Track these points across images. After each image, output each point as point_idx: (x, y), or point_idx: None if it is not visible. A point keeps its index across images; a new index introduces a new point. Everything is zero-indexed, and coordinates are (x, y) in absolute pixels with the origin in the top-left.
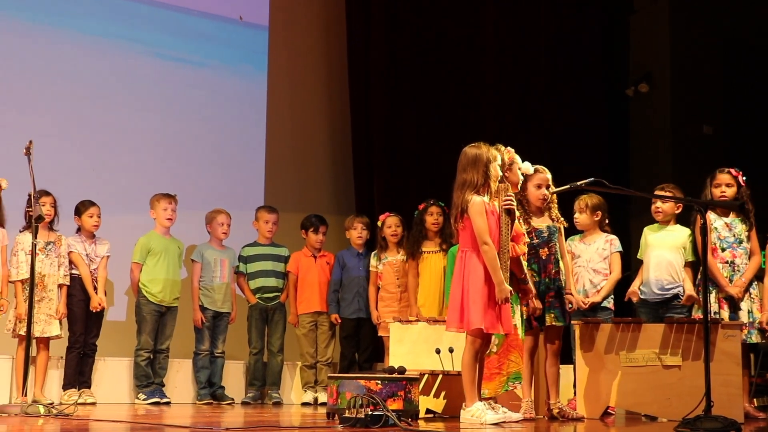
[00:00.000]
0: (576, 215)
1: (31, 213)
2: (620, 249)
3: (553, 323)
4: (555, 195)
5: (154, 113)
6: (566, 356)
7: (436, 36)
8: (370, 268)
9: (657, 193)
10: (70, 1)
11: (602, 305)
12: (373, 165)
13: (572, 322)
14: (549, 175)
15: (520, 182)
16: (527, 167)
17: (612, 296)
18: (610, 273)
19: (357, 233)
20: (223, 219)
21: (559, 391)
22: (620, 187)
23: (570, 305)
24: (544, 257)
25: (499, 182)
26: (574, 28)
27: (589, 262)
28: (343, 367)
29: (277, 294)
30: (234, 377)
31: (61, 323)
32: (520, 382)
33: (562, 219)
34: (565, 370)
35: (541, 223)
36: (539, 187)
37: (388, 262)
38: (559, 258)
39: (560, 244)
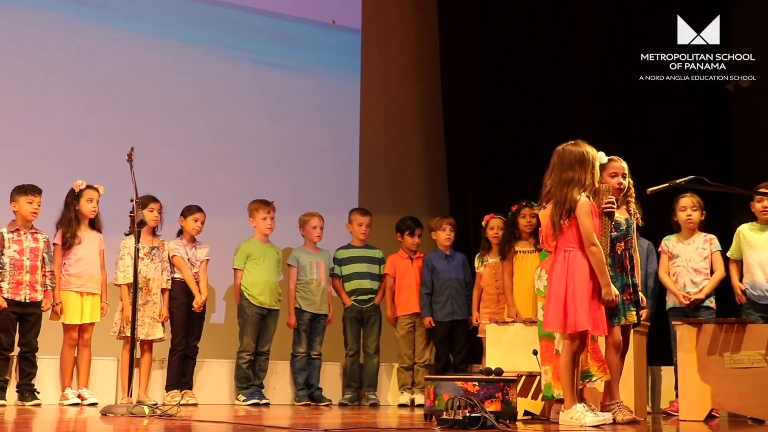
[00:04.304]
0: (690, 213)
1: (134, 218)
2: (720, 248)
3: (628, 322)
4: (633, 188)
5: (249, 117)
6: (667, 357)
7: (529, 36)
8: (476, 270)
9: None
10: (170, 10)
11: (704, 305)
12: (467, 166)
13: (673, 322)
14: (624, 164)
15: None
16: (601, 157)
17: (714, 296)
18: (712, 272)
19: (446, 234)
20: (316, 222)
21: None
22: (721, 184)
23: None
24: (619, 252)
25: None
26: (671, 23)
27: (689, 262)
28: (438, 369)
29: (372, 296)
30: (331, 379)
31: (163, 326)
32: (590, 380)
33: (638, 215)
34: (667, 371)
35: (619, 215)
36: (614, 176)
37: (488, 263)
38: (632, 254)
39: (634, 239)
